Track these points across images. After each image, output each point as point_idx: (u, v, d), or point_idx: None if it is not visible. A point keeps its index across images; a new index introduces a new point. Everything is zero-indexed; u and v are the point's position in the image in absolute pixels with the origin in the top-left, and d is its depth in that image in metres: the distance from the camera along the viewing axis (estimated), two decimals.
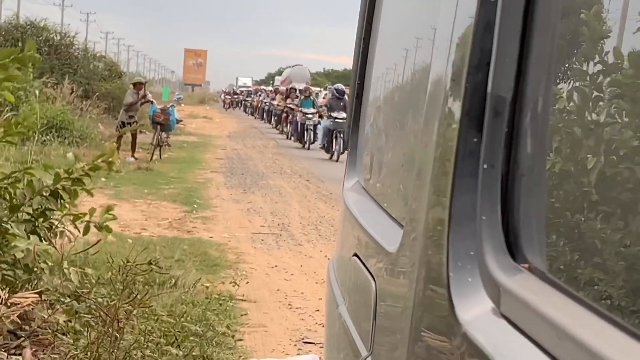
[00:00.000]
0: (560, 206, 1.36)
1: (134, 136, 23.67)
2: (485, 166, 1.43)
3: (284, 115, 43.18)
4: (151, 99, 23.94)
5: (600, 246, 1.22)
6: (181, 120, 29.32)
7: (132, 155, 23.27)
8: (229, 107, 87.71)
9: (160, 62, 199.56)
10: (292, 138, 39.03)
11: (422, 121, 1.75)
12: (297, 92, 42.18)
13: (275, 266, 11.30)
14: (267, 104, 56.67)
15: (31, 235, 6.34)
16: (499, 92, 1.42)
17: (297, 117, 37.45)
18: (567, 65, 1.41)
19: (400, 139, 2.18)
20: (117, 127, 24.45)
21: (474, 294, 1.39)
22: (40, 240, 6.40)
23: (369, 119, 2.74)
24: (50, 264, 6.49)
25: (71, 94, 28.69)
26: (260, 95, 67.22)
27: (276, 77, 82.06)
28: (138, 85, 24.12)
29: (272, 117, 51.04)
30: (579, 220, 1.30)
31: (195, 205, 16.03)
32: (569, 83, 1.39)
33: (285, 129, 42.71)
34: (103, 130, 27.97)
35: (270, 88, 66.98)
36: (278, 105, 46.89)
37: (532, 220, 1.38)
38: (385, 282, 1.95)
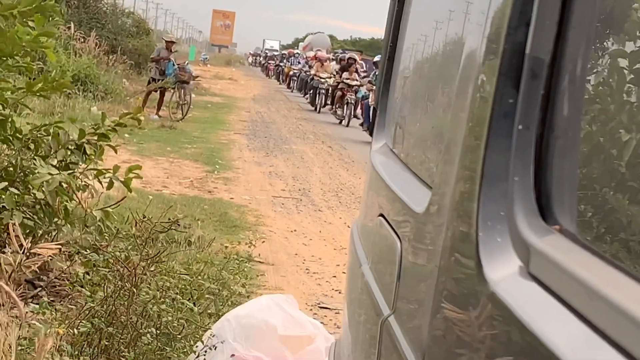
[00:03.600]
0: (593, 170, 1.36)
1: (162, 93, 23.60)
2: (520, 127, 1.42)
3: (338, 93, 30.98)
4: (172, 58, 23.75)
5: (632, 211, 1.22)
6: (197, 77, 28.99)
7: (157, 113, 23.25)
8: (263, 73, 76.95)
9: (189, 21, 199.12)
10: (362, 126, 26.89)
11: (456, 83, 1.74)
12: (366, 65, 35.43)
13: (295, 230, 11.32)
14: (307, 73, 42.98)
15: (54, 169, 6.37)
16: (537, 54, 1.41)
17: (370, 99, 26.12)
18: (608, 30, 1.40)
19: (432, 101, 2.17)
20: (148, 82, 24.44)
21: (502, 254, 1.39)
22: (65, 187, 6.43)
23: (400, 80, 2.73)
24: (71, 205, 6.51)
25: (97, 47, 28.70)
26: (296, 62, 53.61)
27: (300, 44, 79.86)
28: (169, 43, 24.10)
29: (315, 93, 36.59)
30: (610, 184, 1.30)
31: (217, 166, 16.05)
32: (609, 48, 1.38)
33: (339, 112, 30.94)
34: (128, 86, 27.99)
35: (310, 53, 51.20)
36: (316, 76, 35.99)
37: (565, 183, 1.38)
38: (412, 242, 1.95)
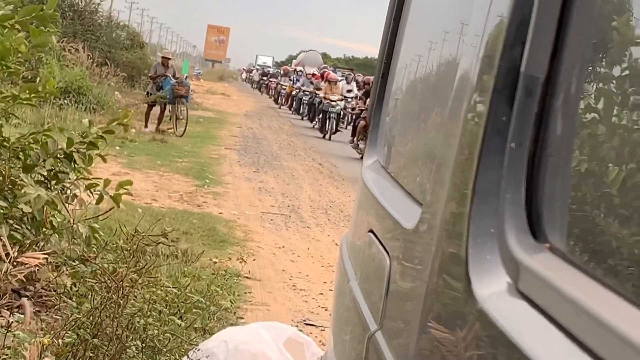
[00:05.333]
0: (585, 189, 1.36)
1: (162, 109, 23.64)
2: (512, 145, 1.42)
3: (361, 122, 25.18)
4: (169, 74, 23.80)
5: (622, 231, 1.22)
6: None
7: (157, 128, 23.22)
8: (256, 89, 72.40)
9: (183, 36, 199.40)
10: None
11: (449, 102, 1.74)
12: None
13: (283, 247, 11.32)
14: (309, 94, 39.69)
15: (41, 189, 6.36)
16: (532, 72, 1.41)
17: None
18: (603, 50, 1.41)
19: (425, 119, 2.18)
20: (145, 97, 24.51)
21: (492, 271, 1.39)
22: (52, 202, 6.42)
23: (393, 99, 2.73)
24: (58, 219, 6.50)
25: (89, 59, 28.72)
26: (297, 80, 47.18)
27: (293, 61, 77.34)
28: (165, 59, 24.20)
29: (325, 118, 32.01)
30: (602, 204, 1.30)
31: (207, 180, 16.05)
32: (604, 68, 1.39)
33: (362, 145, 21.54)
34: (120, 98, 27.98)
35: (312, 70, 46.19)
36: (326, 98, 31.77)
37: (556, 201, 1.38)
38: (400, 258, 1.95)
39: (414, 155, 2.24)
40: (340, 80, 34.79)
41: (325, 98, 32.17)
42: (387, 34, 2.83)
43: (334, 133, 31.22)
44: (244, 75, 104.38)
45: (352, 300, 2.31)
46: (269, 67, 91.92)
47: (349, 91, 34.30)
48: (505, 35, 1.46)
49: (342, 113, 32.09)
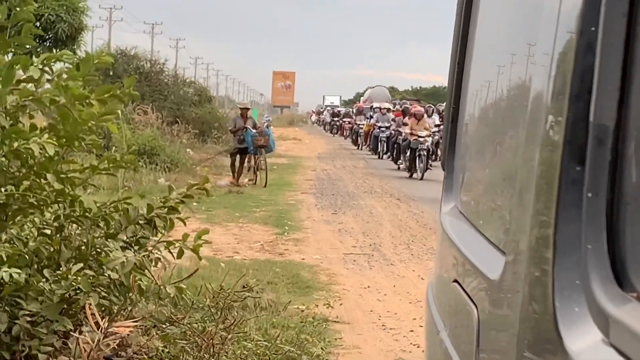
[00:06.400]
0: None
1: (242, 160, 23.68)
2: (589, 195, 1.42)
3: None
4: (248, 126, 23.70)
5: None
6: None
7: (236, 180, 23.28)
8: (328, 131, 69.39)
9: (249, 85, 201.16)
10: None
11: (522, 148, 1.74)
12: None
13: (368, 287, 11.29)
14: (385, 130, 37.92)
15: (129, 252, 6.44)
16: (601, 121, 1.41)
17: None
18: None
19: (499, 165, 2.17)
20: (230, 154, 24.51)
21: (581, 324, 1.38)
22: (138, 267, 6.49)
23: (466, 143, 2.72)
24: (145, 283, 6.57)
25: (158, 119, 29.06)
26: (370, 116, 44.83)
27: (361, 98, 75.08)
28: (244, 110, 24.25)
29: (414, 156, 29.33)
30: None
31: (287, 227, 16.09)
32: None
33: None
34: (193, 155, 28.24)
35: (386, 105, 43.50)
36: (413, 134, 29.42)
37: (639, 249, 1.36)
38: (488, 310, 1.94)
39: (492, 204, 2.23)
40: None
41: (412, 134, 29.48)
42: (452, 80, 2.83)
43: (425, 171, 28.69)
44: (313, 118, 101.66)
45: (444, 352, 2.30)
46: (337, 106, 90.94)
47: (437, 125, 31.87)
48: (570, 86, 1.46)
49: (430, 149, 29.57)
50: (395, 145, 33.91)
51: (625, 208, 1.38)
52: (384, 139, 38.67)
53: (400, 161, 32.17)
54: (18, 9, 6.28)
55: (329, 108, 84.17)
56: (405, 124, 31.59)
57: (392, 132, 35.73)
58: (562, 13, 1.52)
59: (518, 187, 1.75)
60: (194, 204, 16.33)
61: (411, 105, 36.41)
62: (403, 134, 31.18)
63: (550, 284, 1.46)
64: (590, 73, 1.43)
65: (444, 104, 31.19)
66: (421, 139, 28.70)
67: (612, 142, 1.39)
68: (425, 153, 28.62)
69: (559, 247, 1.45)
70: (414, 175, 28.74)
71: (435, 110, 36.72)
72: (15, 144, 6.11)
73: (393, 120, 38.16)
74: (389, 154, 37.14)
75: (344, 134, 59.56)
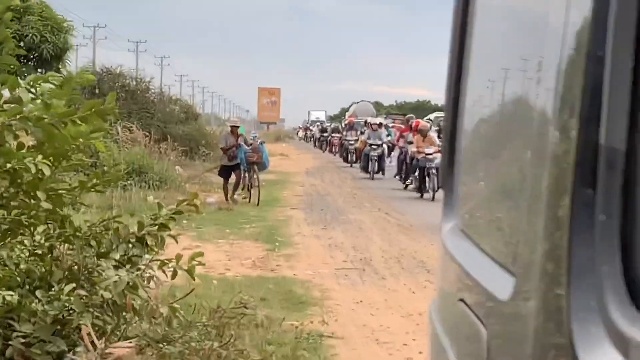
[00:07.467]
0: None
1: (238, 177, 23.59)
2: (602, 217, 1.42)
3: None
4: (241, 142, 23.55)
5: None
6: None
7: (231, 197, 23.15)
8: (317, 147, 67.20)
9: (235, 101, 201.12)
10: None
11: (530, 169, 1.74)
12: None
13: (360, 301, 11.30)
14: (377, 147, 35.71)
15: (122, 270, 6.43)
16: (612, 144, 1.41)
17: None
18: None
19: (504, 185, 2.16)
20: (219, 172, 24.38)
21: (600, 347, 1.38)
22: (131, 286, 6.47)
23: (466, 161, 2.71)
24: (139, 302, 6.55)
25: (145, 137, 29.04)
26: (361, 132, 42.48)
27: (346, 114, 73.80)
28: (234, 128, 24.13)
29: (423, 175, 27.09)
30: None
31: (277, 243, 16.09)
32: None
33: None
34: (182, 172, 28.22)
35: (378, 120, 41.39)
36: (419, 152, 27.46)
37: None
38: (498, 331, 1.93)
39: (497, 223, 2.22)
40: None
41: (418, 152, 27.46)
42: (450, 98, 2.82)
43: (436, 190, 25.64)
44: (300, 134, 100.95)
45: None
46: (324, 121, 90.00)
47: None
48: (579, 110, 1.46)
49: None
50: (402, 164, 31.93)
51: (639, 230, 1.38)
52: (374, 157, 36.24)
53: (409, 180, 30.15)
54: None
55: (317, 123, 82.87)
56: (410, 142, 29.72)
57: (401, 149, 32.79)
58: (569, 33, 1.52)
59: (526, 207, 1.74)
60: (184, 221, 16.35)
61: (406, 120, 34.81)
62: (410, 152, 29.21)
63: (566, 306, 1.46)
64: (599, 98, 1.43)
65: (432, 116, 30.44)
66: (429, 157, 26.62)
67: (624, 165, 1.40)
68: (435, 172, 25.68)
69: (574, 269, 1.45)
70: (425, 195, 26.95)
71: (432, 124, 35.45)
72: (8, 165, 6.09)
73: (388, 135, 37.00)
74: (380, 172, 35.74)
75: (333, 150, 57.88)
